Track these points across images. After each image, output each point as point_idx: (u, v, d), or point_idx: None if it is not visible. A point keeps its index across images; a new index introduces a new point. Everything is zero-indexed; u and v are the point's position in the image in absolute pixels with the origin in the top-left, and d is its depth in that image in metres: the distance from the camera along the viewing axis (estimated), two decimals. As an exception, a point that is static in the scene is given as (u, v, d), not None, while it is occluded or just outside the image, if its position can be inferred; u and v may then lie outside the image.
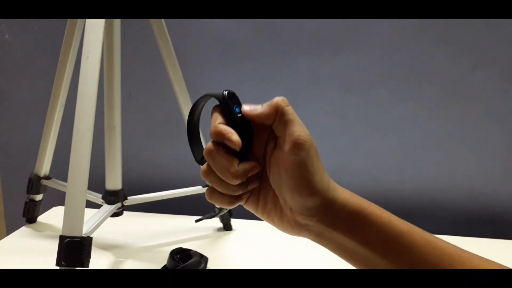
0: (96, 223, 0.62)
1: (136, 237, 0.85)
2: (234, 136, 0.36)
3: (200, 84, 0.99)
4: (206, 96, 0.40)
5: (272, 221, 0.40)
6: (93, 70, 0.58)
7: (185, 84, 0.79)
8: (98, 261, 0.74)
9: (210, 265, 0.74)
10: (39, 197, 0.89)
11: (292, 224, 0.38)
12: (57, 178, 0.88)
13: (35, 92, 1.05)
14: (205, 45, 0.99)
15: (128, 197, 0.79)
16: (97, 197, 0.76)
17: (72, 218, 0.55)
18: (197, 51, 0.99)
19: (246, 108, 0.38)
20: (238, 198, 0.39)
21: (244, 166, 0.37)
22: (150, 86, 1.02)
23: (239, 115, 0.37)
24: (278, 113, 0.36)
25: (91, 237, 0.56)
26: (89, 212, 0.68)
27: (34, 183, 0.86)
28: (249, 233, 0.89)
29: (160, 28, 0.75)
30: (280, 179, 0.37)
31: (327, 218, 0.36)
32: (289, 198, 0.37)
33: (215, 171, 0.37)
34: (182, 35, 0.98)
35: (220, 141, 0.36)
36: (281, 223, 0.39)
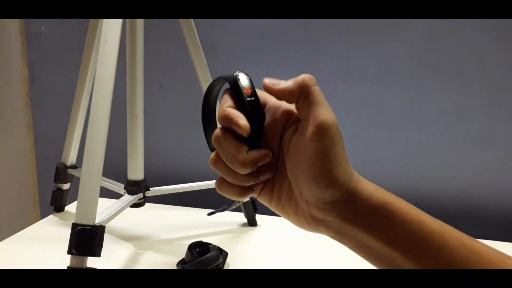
0: (113, 212, 0.60)
1: (158, 229, 0.84)
2: (242, 120, 0.32)
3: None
4: (220, 79, 0.36)
5: (287, 215, 0.37)
6: (111, 54, 0.57)
7: (210, 76, 0.77)
8: (118, 251, 0.73)
9: (230, 261, 0.71)
10: (66, 186, 0.89)
11: (308, 219, 0.35)
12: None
13: (70, 82, 1.05)
14: (235, 35, 0.96)
15: (151, 188, 0.77)
16: (119, 187, 0.75)
17: (85, 206, 0.53)
18: (228, 41, 0.96)
19: (267, 81, 0.34)
20: (249, 189, 0.36)
21: (253, 153, 0.33)
22: (181, 79, 1.01)
23: (250, 98, 0.34)
24: (303, 92, 0.32)
25: (104, 226, 0.54)
26: (110, 202, 0.67)
27: (61, 172, 0.87)
28: (274, 230, 0.85)
29: (187, 20, 0.73)
30: (297, 168, 0.33)
31: (347, 213, 0.32)
32: (306, 189, 0.33)
33: (223, 158, 0.34)
34: (212, 25, 0.95)
35: (228, 126, 0.33)
36: (296, 217, 0.36)
